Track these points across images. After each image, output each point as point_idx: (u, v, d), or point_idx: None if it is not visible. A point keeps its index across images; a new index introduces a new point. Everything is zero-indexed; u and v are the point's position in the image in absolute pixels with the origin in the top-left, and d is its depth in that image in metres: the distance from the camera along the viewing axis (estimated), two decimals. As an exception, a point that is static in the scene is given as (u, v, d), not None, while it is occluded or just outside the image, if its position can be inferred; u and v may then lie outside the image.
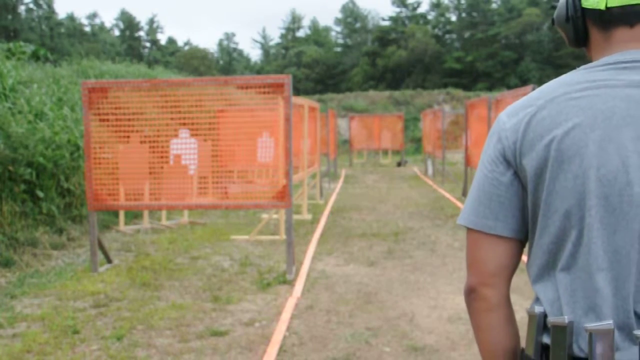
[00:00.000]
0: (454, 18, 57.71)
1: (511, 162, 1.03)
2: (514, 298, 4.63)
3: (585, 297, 0.95)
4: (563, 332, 0.94)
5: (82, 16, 76.02)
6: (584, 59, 1.05)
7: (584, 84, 0.97)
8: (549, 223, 0.99)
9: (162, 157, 5.96)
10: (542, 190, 0.99)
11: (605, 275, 0.93)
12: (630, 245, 0.92)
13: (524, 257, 1.18)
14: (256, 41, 72.87)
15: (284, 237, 7.15)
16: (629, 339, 0.93)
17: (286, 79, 5.39)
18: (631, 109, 0.92)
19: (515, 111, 1.04)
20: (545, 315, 1.00)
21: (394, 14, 59.19)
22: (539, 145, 0.97)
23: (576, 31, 1.05)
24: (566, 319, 0.94)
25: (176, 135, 5.97)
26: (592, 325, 0.92)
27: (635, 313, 0.93)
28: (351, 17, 62.90)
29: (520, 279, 5.17)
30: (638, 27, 0.98)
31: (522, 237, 1.07)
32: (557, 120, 0.96)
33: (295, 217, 8.36)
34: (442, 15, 57.77)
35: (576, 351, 0.96)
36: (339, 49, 62.45)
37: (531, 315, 1.02)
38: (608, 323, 0.91)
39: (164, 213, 8.47)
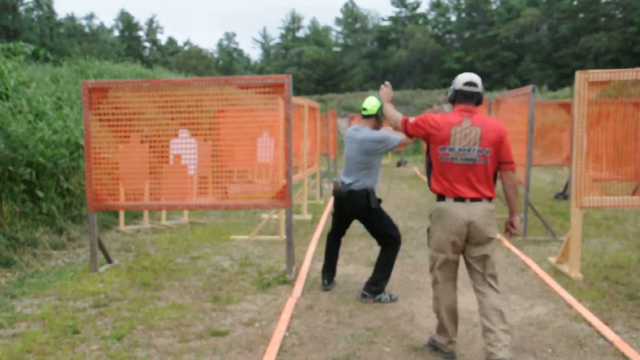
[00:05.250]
0: (453, 18, 57.72)
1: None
2: (513, 298, 4.61)
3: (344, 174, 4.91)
4: (336, 182, 4.91)
5: (81, 16, 76.03)
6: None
7: (353, 129, 4.96)
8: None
9: (162, 157, 5.95)
10: None
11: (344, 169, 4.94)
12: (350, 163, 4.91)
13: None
14: (256, 41, 72.79)
15: (284, 237, 7.15)
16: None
17: (286, 79, 5.39)
18: (351, 137, 4.90)
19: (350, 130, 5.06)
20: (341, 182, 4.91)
21: (393, 14, 59.23)
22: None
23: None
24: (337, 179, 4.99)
25: (176, 135, 5.96)
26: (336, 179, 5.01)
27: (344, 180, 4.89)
28: (351, 17, 62.88)
29: (521, 279, 5.18)
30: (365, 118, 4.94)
31: None
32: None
33: (295, 217, 8.36)
34: (442, 15, 57.77)
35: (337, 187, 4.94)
36: (339, 49, 62.43)
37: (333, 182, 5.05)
38: (341, 179, 4.91)
39: (164, 213, 8.47)
